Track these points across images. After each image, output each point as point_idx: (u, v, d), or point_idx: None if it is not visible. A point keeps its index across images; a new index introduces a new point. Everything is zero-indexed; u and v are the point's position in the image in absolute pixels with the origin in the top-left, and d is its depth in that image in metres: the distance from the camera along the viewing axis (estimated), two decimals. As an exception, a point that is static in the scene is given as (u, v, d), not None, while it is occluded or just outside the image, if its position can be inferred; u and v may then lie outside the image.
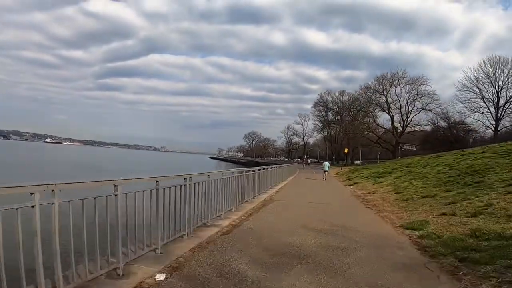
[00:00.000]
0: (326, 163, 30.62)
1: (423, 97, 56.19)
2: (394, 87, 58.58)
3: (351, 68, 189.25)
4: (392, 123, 58.70)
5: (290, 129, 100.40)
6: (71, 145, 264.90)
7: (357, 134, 62.87)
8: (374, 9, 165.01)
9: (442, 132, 46.67)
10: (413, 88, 57.16)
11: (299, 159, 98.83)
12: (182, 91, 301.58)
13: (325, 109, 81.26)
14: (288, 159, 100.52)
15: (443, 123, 47.08)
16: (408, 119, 57.87)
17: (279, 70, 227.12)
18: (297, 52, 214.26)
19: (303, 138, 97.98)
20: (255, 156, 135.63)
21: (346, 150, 48.38)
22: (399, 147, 57.80)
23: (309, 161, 77.81)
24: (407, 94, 57.31)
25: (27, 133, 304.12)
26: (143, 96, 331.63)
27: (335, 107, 79.86)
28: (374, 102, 59.70)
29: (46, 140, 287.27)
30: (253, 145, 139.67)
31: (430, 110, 54.88)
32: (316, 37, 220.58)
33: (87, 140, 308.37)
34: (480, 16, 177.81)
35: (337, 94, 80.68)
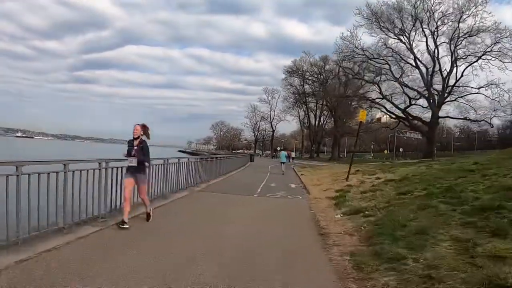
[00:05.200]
0: (283, 153, 22.41)
1: (483, 33, 26.85)
2: (419, 22, 28.71)
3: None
4: (429, 81, 28.56)
5: (257, 112, 69.51)
6: (43, 139, 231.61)
7: (357, 102, 32.61)
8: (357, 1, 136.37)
9: None
10: (458, 17, 27.59)
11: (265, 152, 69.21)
12: (160, 83, 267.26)
13: (301, 79, 50.89)
14: (254, 151, 70.10)
15: None
16: (455, 77, 28.04)
17: (258, 62, 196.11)
18: (277, 44, 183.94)
19: (271, 123, 67.13)
20: (221, 148, 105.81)
21: (361, 117, 13.53)
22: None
23: (292, 155, 44.21)
24: (451, 32, 27.65)
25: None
26: (119, 89, 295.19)
27: (314, 76, 49.56)
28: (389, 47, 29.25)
29: (17, 134, 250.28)
30: (221, 136, 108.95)
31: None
32: (297, 29, 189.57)
33: (60, 134, 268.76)
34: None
35: (317, 58, 50.24)
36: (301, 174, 17.28)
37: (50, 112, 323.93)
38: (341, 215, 6.54)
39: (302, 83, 51.27)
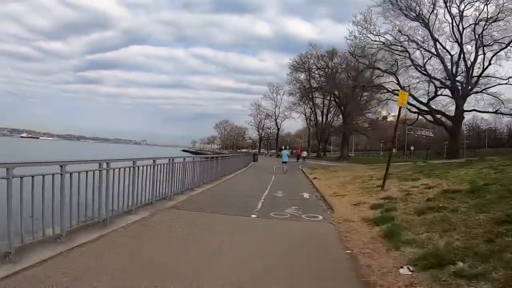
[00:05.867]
0: (285, 152, 21.55)
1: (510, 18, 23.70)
2: (442, 2, 25.54)
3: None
4: (454, 70, 25.36)
5: (261, 110, 66.35)
6: (49, 139, 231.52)
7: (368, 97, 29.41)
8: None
9: None
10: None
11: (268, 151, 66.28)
12: (164, 83, 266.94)
13: (308, 74, 47.69)
14: (259, 151, 67.18)
15: None
16: (482, 66, 24.89)
17: (262, 61, 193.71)
18: (281, 43, 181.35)
19: (276, 120, 63.88)
20: (225, 147, 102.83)
21: (402, 100, 8.72)
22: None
23: (304, 154, 39.72)
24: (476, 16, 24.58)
25: (4, 128, 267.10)
26: (124, 89, 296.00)
27: (321, 70, 46.36)
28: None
29: (22, 135, 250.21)
30: (225, 135, 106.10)
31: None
32: (301, 28, 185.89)
33: (66, 135, 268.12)
34: None
35: (323, 52, 46.87)
36: (314, 178, 14.09)
37: (55, 113, 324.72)
38: (411, 268, 3.46)
39: (308, 77, 48.10)
